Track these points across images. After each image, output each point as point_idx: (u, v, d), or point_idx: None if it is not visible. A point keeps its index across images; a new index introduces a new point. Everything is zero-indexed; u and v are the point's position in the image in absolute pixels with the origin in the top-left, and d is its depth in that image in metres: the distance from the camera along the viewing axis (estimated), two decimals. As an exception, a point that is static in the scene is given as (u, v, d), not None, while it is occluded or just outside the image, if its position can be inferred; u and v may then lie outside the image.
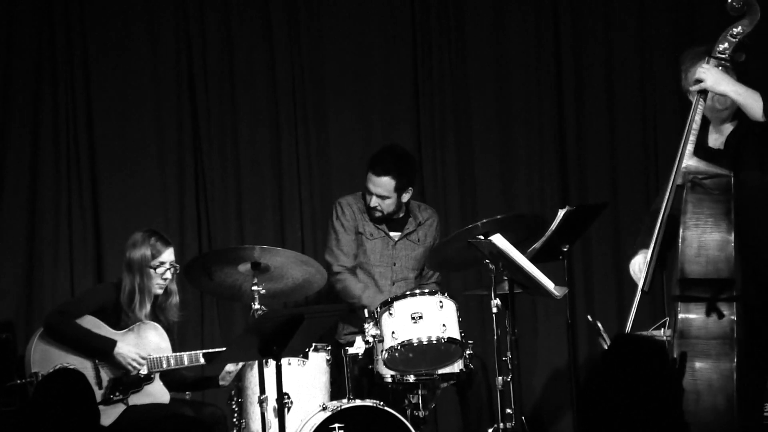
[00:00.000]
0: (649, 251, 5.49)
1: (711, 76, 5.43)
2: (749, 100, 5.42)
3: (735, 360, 5.25)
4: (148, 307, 6.20)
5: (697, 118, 5.46)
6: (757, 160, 5.54)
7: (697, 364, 5.27)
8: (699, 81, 5.45)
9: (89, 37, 7.30)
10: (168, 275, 6.22)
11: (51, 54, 7.26)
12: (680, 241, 5.31)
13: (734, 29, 5.49)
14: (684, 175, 5.45)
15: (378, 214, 6.75)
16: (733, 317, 5.29)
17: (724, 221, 5.32)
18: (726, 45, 5.49)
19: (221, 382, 6.31)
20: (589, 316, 6.03)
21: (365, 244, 6.79)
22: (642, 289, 5.46)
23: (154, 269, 6.18)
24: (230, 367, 6.24)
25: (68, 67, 7.27)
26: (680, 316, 5.32)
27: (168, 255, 6.21)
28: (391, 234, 6.82)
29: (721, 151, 5.59)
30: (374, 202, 6.72)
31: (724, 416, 5.22)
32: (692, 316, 5.31)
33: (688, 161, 5.45)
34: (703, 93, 5.48)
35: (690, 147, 5.46)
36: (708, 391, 5.24)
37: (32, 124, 7.24)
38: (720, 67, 5.46)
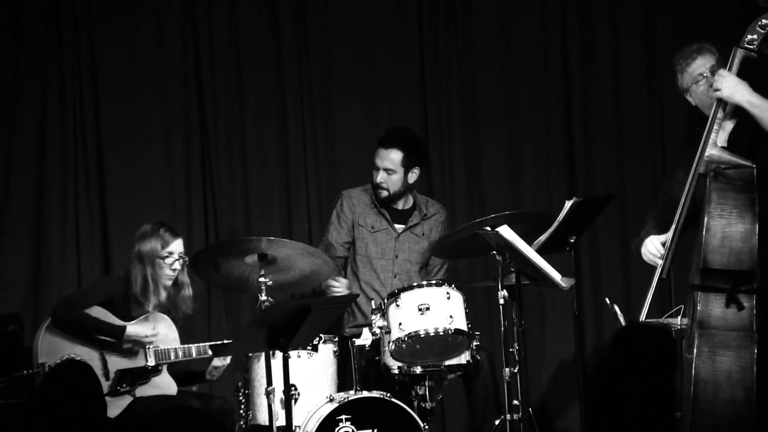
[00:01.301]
0: (669, 238, 5.50)
1: (728, 87, 5.48)
2: (764, 113, 5.46)
3: (755, 352, 5.25)
4: (162, 295, 6.22)
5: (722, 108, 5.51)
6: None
7: (717, 355, 5.27)
8: (717, 90, 5.48)
9: (96, 30, 7.30)
10: (177, 266, 6.23)
11: (58, 48, 7.26)
12: (704, 230, 5.31)
13: (764, 20, 5.51)
14: (706, 164, 5.46)
15: (384, 193, 6.75)
16: (753, 309, 5.29)
17: (748, 213, 5.33)
18: (755, 36, 5.51)
19: (207, 377, 6.32)
20: (607, 299, 6.02)
21: (366, 237, 6.79)
22: (660, 276, 5.47)
23: (163, 260, 6.20)
24: (217, 362, 6.24)
25: (75, 61, 7.27)
26: (699, 306, 5.33)
27: (176, 246, 6.23)
28: (396, 226, 6.82)
29: (725, 149, 5.60)
30: (380, 177, 6.72)
31: (741, 408, 5.23)
32: (712, 306, 5.32)
33: (711, 150, 5.47)
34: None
35: (714, 136, 5.48)
36: (727, 382, 5.25)
37: (39, 116, 7.25)
38: (745, 58, 5.50)
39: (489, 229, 5.99)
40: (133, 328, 6.11)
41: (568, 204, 6.23)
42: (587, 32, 7.69)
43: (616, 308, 5.84)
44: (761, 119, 5.48)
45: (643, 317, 5.51)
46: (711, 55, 5.73)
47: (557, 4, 7.68)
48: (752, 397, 5.24)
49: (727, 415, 5.24)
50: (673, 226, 5.53)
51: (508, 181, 7.68)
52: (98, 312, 6.13)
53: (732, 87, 5.49)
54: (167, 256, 6.21)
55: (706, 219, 5.34)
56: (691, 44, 5.80)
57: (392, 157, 6.71)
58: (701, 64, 5.71)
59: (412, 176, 6.78)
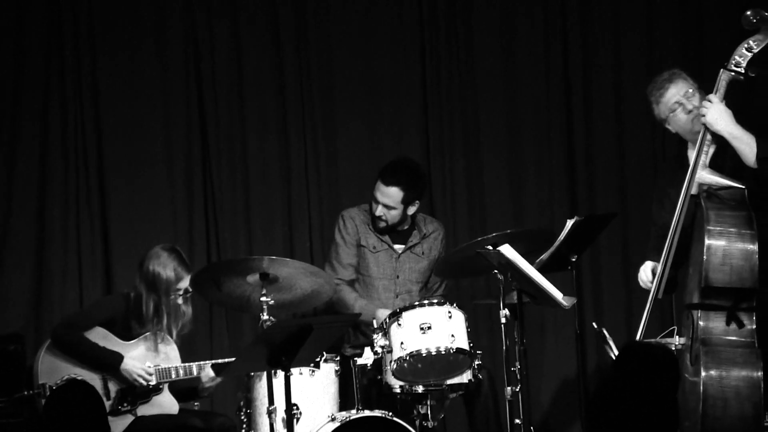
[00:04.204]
0: (662, 259, 5.52)
1: (712, 114, 5.54)
2: (743, 146, 5.53)
3: (762, 368, 5.27)
4: (165, 321, 6.21)
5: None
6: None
7: (725, 372, 5.28)
8: (702, 115, 5.53)
9: (98, 50, 7.30)
10: (180, 300, 6.24)
11: (60, 67, 7.27)
12: (705, 249, 5.33)
13: (750, 42, 5.54)
14: (698, 186, 5.48)
15: (382, 224, 6.75)
16: (753, 326, 5.31)
17: (748, 231, 5.35)
18: (741, 58, 5.54)
19: (202, 393, 6.31)
20: (594, 324, 6.03)
21: (368, 257, 6.78)
22: (655, 296, 5.49)
23: (174, 293, 6.20)
24: (206, 379, 6.23)
25: (77, 77, 7.28)
26: (701, 324, 5.34)
27: (185, 282, 6.23)
28: (395, 246, 6.81)
29: (714, 170, 5.62)
30: (380, 211, 6.72)
31: (750, 423, 5.25)
32: (713, 324, 5.34)
33: (702, 172, 5.49)
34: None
35: (703, 158, 5.52)
36: (736, 398, 5.27)
37: (41, 135, 7.25)
38: (732, 81, 5.53)
39: (490, 248, 5.99)
40: (131, 363, 6.10)
41: (569, 223, 6.24)
42: (589, 50, 7.70)
43: (605, 331, 5.86)
44: (740, 150, 5.53)
45: (639, 337, 5.53)
46: (683, 81, 5.78)
47: (559, 23, 7.69)
48: (761, 412, 5.27)
49: (736, 430, 5.26)
50: (666, 246, 5.55)
51: (510, 199, 7.68)
52: (99, 333, 6.13)
53: (716, 115, 5.54)
54: (176, 290, 6.21)
55: (705, 238, 5.35)
56: (662, 73, 5.84)
57: (392, 195, 6.68)
58: (675, 93, 5.77)
59: (412, 209, 6.77)
